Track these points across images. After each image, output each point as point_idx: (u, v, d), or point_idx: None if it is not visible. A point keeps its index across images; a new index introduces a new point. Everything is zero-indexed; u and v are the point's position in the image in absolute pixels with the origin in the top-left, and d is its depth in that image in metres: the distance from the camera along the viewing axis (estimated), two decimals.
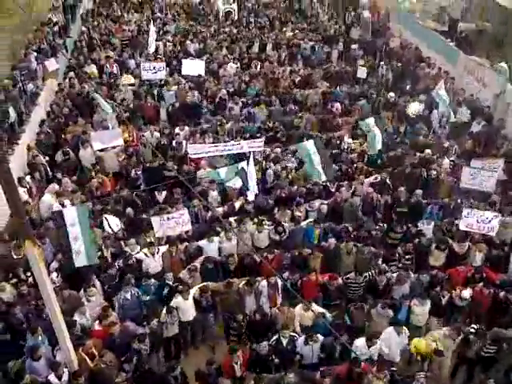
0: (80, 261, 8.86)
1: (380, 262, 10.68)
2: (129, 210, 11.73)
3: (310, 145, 11.89)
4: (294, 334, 8.92)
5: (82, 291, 9.43)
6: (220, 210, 12.13)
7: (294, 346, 8.80)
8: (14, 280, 9.68)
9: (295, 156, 13.87)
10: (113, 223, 11.19)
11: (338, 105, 16.80)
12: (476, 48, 19.40)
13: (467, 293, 9.56)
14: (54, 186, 12.10)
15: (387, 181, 12.84)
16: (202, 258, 10.49)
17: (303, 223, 11.53)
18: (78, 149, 13.71)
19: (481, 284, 9.81)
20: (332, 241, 10.75)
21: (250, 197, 11.68)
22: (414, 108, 15.87)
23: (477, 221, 10.64)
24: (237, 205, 12.22)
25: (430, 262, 10.88)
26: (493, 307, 9.71)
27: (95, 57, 19.27)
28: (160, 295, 9.77)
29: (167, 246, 10.74)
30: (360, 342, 8.71)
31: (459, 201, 12.16)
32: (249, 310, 9.69)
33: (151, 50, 19.43)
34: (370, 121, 13.43)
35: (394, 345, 8.82)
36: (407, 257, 10.78)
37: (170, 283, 9.81)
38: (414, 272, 10.37)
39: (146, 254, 10.42)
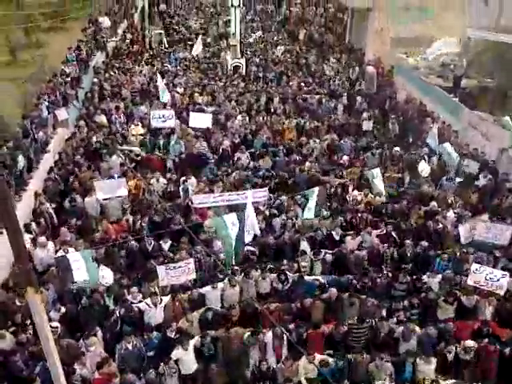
0: (79, 275, 9.21)
1: (384, 313, 10.63)
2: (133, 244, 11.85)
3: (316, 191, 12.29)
4: None
5: (81, 340, 9.32)
6: (222, 255, 11.97)
7: None
8: (13, 328, 9.61)
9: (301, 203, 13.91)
10: (106, 275, 11.09)
11: (346, 157, 16.97)
12: (479, 103, 19.70)
13: (472, 342, 9.45)
14: (42, 239, 11.81)
15: (393, 234, 12.82)
16: (202, 309, 10.45)
17: (307, 278, 11.45)
18: (85, 195, 13.82)
19: (486, 340, 9.63)
20: (333, 291, 10.69)
21: (247, 238, 11.59)
22: (424, 169, 15.86)
23: (485, 278, 10.50)
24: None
25: (438, 315, 10.75)
26: (499, 366, 9.50)
27: (105, 107, 19.64)
28: (162, 349, 9.59)
29: (170, 295, 10.69)
30: None
31: (465, 250, 12.12)
32: (254, 361, 9.61)
33: (164, 100, 19.93)
34: (376, 171, 13.68)
35: None
36: (413, 311, 10.68)
37: (172, 336, 9.67)
38: (421, 325, 10.21)
39: (148, 305, 10.34)
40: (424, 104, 21.14)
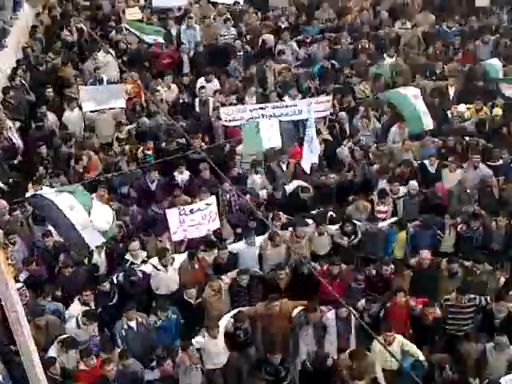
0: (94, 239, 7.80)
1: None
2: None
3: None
4: None
5: (67, 310, 8.67)
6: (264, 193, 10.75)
7: None
8: None
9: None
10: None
11: None
12: None
13: None
14: None
15: None
16: (234, 272, 9.09)
17: (384, 223, 10.00)
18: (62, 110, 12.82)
19: None
20: (426, 254, 9.06)
21: (306, 167, 10.51)
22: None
23: None
24: (288, 188, 10.75)
25: None
26: None
27: None
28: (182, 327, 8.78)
29: (187, 253, 9.29)
30: None
31: None
32: (304, 350, 8.25)
33: None
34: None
35: None
36: None
37: (192, 301, 8.59)
38: None
39: (155, 267, 9.06)
40: None
